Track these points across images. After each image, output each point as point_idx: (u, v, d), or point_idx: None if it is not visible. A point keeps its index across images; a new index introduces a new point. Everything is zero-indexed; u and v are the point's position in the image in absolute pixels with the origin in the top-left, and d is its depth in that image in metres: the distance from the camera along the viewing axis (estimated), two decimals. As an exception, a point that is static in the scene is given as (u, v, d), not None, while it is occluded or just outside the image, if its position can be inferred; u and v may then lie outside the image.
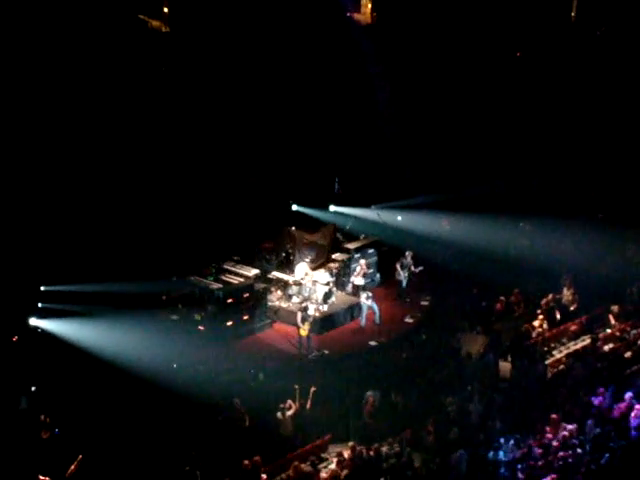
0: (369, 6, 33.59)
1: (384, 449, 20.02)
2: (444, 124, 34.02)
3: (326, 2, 31.72)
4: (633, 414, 20.16)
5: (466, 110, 33.61)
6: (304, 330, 26.34)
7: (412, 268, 30.00)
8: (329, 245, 30.34)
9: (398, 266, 30.09)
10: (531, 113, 33.45)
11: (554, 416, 20.59)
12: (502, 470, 18.59)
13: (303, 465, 19.53)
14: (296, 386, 21.93)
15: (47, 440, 20.60)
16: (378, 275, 31.32)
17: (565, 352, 25.58)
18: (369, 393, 22.82)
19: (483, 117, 33.76)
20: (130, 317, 25.60)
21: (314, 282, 28.74)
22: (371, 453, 19.89)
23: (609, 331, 26.42)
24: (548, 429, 20.27)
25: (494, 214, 31.84)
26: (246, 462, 19.24)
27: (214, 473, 19.48)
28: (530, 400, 22.24)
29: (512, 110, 33.52)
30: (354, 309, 28.92)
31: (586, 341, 25.98)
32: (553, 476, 18.02)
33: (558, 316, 27.41)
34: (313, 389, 21.97)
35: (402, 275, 30.05)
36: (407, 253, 30.27)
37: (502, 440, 19.76)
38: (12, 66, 26.82)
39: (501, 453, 19.13)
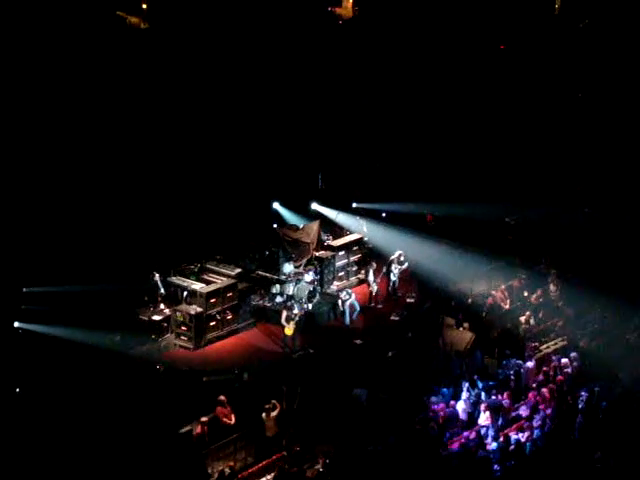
0: (350, 0, 33.30)
1: (370, 448, 19.73)
2: (428, 120, 33.80)
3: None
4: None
5: (449, 105, 33.37)
6: (289, 329, 26.17)
7: (400, 265, 29.83)
8: (313, 243, 30.07)
9: (392, 267, 29.88)
10: (513, 106, 33.29)
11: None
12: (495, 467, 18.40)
13: (288, 466, 19.23)
14: (284, 387, 21.74)
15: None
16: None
17: (553, 348, 25.38)
18: (355, 391, 22.60)
19: (467, 112, 33.53)
20: (111, 318, 25.26)
21: (298, 280, 28.51)
22: (358, 452, 19.59)
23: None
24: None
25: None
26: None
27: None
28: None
29: (495, 104, 33.32)
30: (338, 308, 28.66)
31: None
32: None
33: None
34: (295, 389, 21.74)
35: (394, 274, 29.88)
36: (398, 252, 30.13)
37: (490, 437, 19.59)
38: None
39: (491, 451, 18.89)
